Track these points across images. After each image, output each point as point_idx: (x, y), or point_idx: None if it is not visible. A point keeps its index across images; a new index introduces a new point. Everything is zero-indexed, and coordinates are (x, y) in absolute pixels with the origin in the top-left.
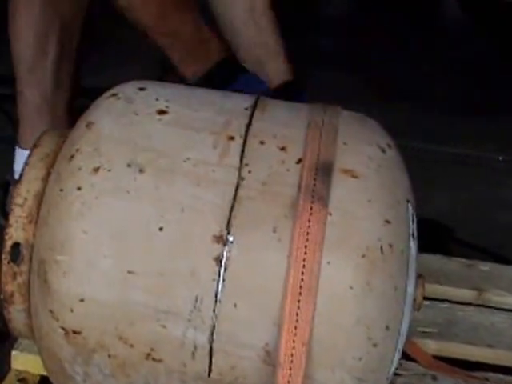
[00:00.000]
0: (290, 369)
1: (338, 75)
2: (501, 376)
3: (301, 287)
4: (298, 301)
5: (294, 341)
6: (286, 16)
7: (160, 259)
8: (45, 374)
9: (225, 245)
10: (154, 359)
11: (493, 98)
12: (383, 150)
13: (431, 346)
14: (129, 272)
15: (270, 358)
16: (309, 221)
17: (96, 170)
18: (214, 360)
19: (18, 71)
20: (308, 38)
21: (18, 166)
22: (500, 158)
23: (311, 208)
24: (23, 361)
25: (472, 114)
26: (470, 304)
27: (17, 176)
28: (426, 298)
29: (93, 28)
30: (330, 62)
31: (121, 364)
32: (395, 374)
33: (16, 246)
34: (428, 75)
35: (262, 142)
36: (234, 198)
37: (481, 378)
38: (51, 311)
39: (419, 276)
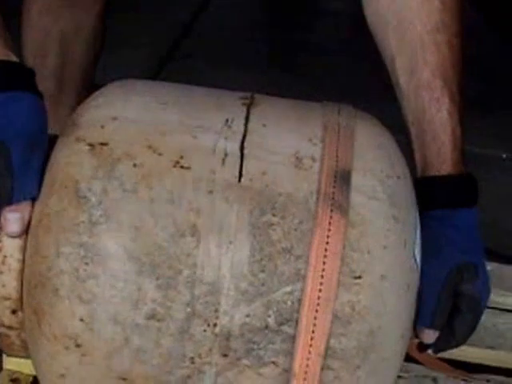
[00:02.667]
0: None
1: (337, 68)
2: (502, 378)
3: (319, 298)
4: (316, 311)
5: (309, 352)
6: (288, 9)
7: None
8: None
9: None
10: (182, 167)
11: (495, 94)
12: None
13: None
14: (162, 103)
15: (302, 163)
16: (328, 230)
17: None
18: (244, 165)
19: None
20: (309, 32)
21: None
22: (503, 156)
23: (331, 217)
24: (16, 361)
25: (474, 111)
26: None
27: None
28: None
29: None
30: (329, 55)
31: (146, 174)
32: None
33: None
34: None
35: None
36: None
37: (482, 379)
38: (78, 138)
39: None
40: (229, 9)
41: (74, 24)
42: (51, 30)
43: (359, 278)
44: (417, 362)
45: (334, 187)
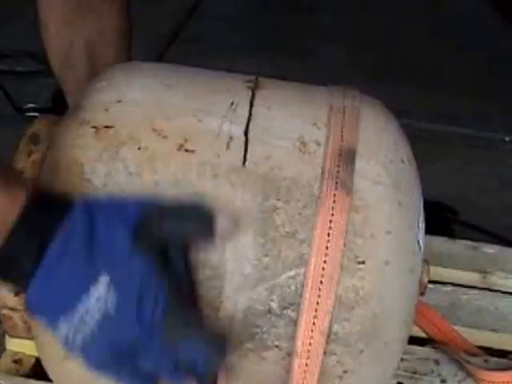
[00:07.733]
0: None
1: (341, 52)
2: (502, 360)
3: (322, 276)
4: (319, 289)
5: (312, 330)
6: None
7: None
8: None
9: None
10: (186, 150)
11: (499, 78)
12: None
13: None
14: (166, 86)
15: (306, 147)
16: (332, 208)
17: None
18: (249, 149)
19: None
20: (311, 16)
21: None
22: (506, 139)
23: (335, 195)
24: (18, 342)
25: (478, 94)
26: (474, 287)
27: None
28: (429, 281)
29: None
30: (334, 39)
31: (150, 157)
32: None
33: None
34: (435, 55)
35: None
36: None
37: (480, 360)
38: (83, 121)
39: (425, 261)
40: None
41: (97, 29)
42: (74, 41)
43: (363, 263)
44: (419, 344)
45: (339, 166)
